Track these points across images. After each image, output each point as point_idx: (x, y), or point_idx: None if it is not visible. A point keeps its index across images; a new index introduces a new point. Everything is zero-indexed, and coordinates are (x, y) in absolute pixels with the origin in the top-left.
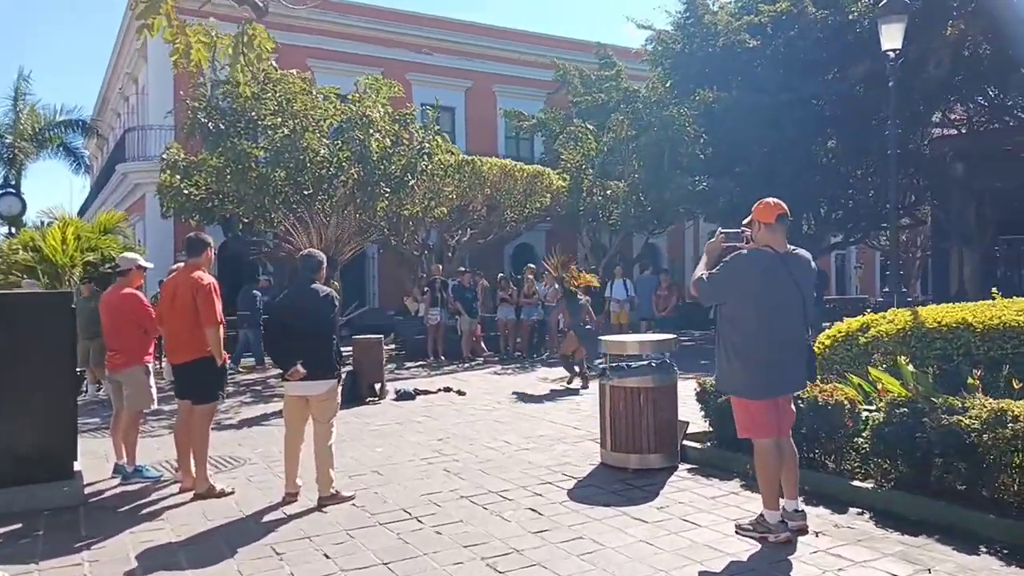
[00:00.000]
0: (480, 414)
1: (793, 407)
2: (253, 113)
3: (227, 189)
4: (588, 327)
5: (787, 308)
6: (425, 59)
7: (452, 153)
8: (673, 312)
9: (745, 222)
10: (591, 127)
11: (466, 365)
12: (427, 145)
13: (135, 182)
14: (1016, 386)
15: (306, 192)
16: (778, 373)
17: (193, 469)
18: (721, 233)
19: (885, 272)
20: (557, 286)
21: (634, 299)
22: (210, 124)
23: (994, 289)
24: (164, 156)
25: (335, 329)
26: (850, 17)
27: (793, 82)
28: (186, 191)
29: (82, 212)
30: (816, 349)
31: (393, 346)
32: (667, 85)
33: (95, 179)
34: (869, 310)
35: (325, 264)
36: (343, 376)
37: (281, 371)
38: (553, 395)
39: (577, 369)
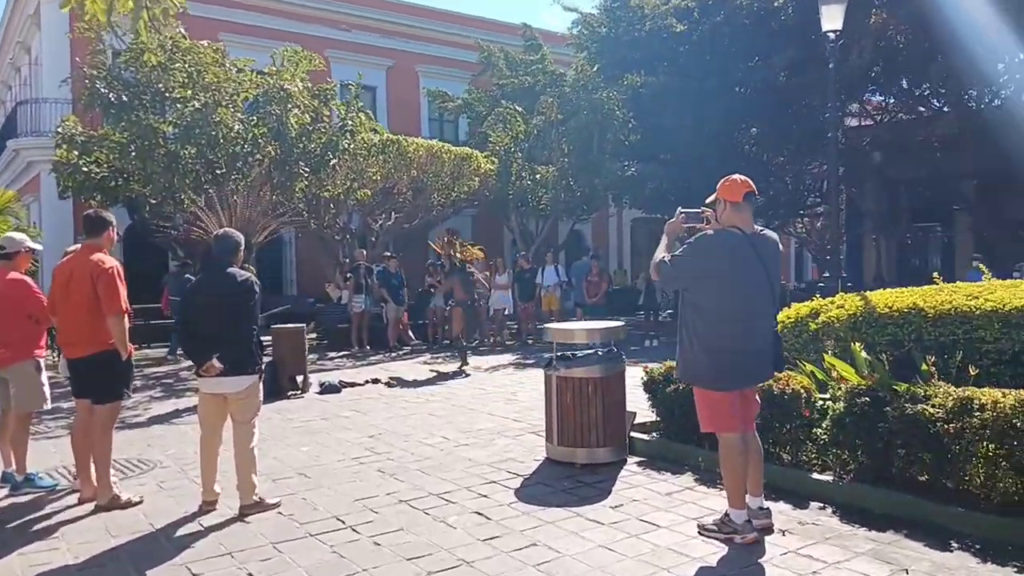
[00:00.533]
0: (412, 407)
1: (758, 399)
2: (160, 85)
3: (132, 167)
4: (477, 302)
5: (755, 292)
6: (344, 36)
7: (376, 132)
8: (603, 299)
9: (708, 200)
10: (519, 109)
11: (393, 355)
12: (349, 122)
13: (28, 159)
14: (972, 372)
15: (219, 171)
16: (745, 362)
17: (94, 477)
18: (681, 213)
19: (802, 259)
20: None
21: (564, 284)
22: (111, 95)
23: (936, 274)
24: (59, 130)
25: (255, 318)
26: (775, 4)
27: (718, 68)
28: (85, 168)
29: None
30: None
31: (314, 335)
32: (595, 69)
33: None
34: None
35: (242, 245)
36: (264, 371)
37: (195, 365)
38: (483, 386)
39: (462, 348)
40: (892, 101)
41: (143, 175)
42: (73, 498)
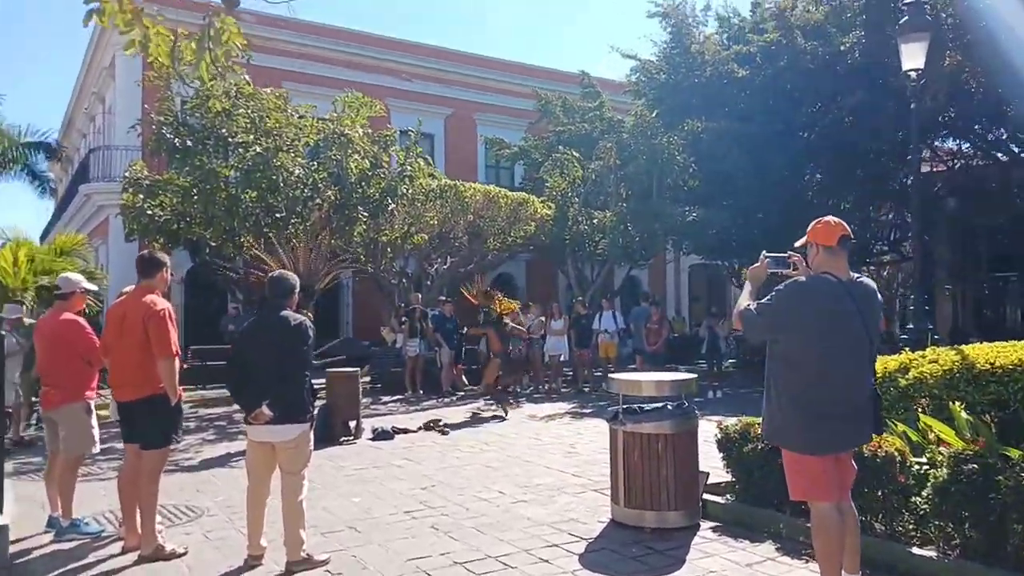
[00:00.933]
0: (467, 456)
1: (854, 463)
2: (223, 130)
3: (194, 211)
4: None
5: (852, 346)
6: (404, 85)
7: (435, 177)
8: (663, 346)
9: (798, 244)
10: (576, 154)
11: (446, 400)
12: (408, 168)
13: (99, 204)
14: None
15: (278, 215)
16: (841, 424)
17: (139, 525)
18: (766, 258)
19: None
20: (533, 316)
21: (623, 331)
22: (176, 140)
23: None
24: (127, 174)
25: (308, 364)
26: (841, 48)
27: (781, 113)
28: (150, 211)
29: (44, 236)
30: None
31: (368, 379)
32: (654, 114)
33: (59, 202)
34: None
35: (297, 288)
36: (315, 417)
37: (244, 412)
38: (540, 436)
39: (501, 397)
40: (967, 146)
41: (204, 218)
42: (117, 546)
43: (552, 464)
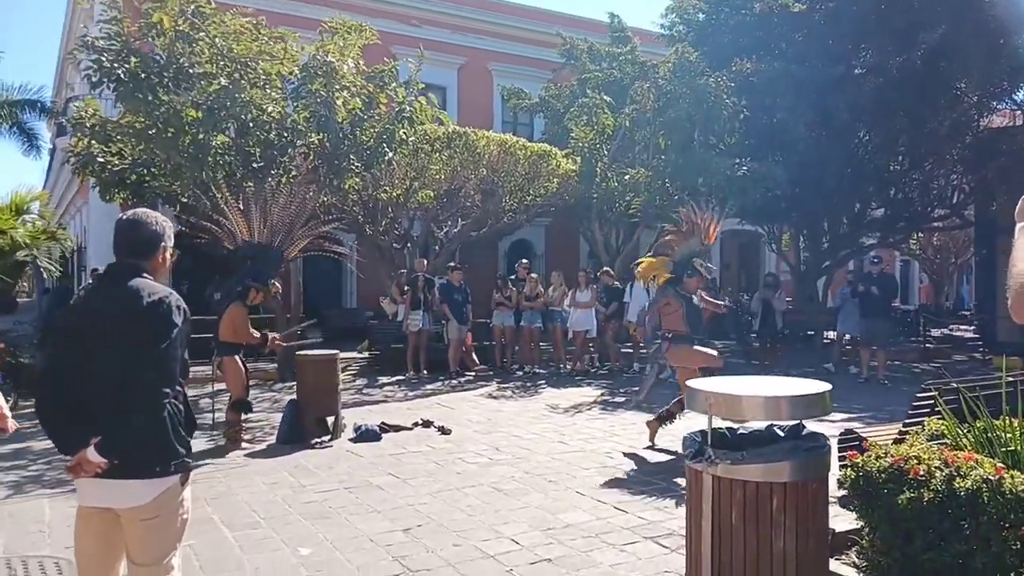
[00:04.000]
0: (471, 472)
1: None
2: (183, 60)
3: (158, 159)
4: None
5: None
6: (413, 32)
7: (441, 121)
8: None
9: None
10: (607, 98)
11: (453, 383)
12: (408, 108)
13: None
14: None
15: (256, 164)
16: None
17: None
18: None
19: (908, 279)
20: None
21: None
22: (120, 71)
23: None
24: (74, 117)
25: (170, 373)
26: None
27: (844, 54)
28: (101, 159)
29: None
30: None
31: (367, 355)
32: (694, 57)
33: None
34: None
35: (164, 238)
36: (190, 464)
37: (60, 452)
38: (565, 438)
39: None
40: None
41: (170, 168)
42: None
43: (584, 487)
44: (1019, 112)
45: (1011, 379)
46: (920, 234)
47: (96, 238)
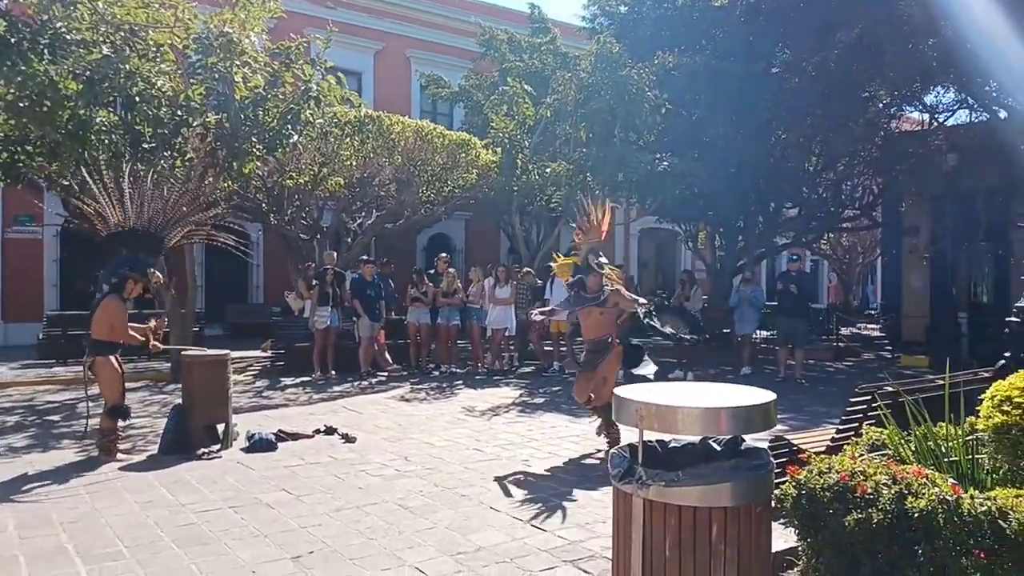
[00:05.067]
0: (375, 487)
1: None
2: (60, 25)
3: (32, 135)
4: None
5: None
6: (328, 14)
7: (351, 103)
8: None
9: None
10: (528, 88)
11: (363, 384)
12: (314, 87)
13: None
14: None
15: (145, 145)
16: None
17: None
18: None
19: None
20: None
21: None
22: None
23: None
24: None
25: None
26: None
27: (763, 50)
28: None
29: None
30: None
31: (270, 354)
32: (616, 50)
33: None
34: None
35: None
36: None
37: None
38: (481, 444)
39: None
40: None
41: (46, 146)
42: None
43: (499, 501)
44: (928, 115)
45: (952, 383)
46: (831, 234)
47: None
